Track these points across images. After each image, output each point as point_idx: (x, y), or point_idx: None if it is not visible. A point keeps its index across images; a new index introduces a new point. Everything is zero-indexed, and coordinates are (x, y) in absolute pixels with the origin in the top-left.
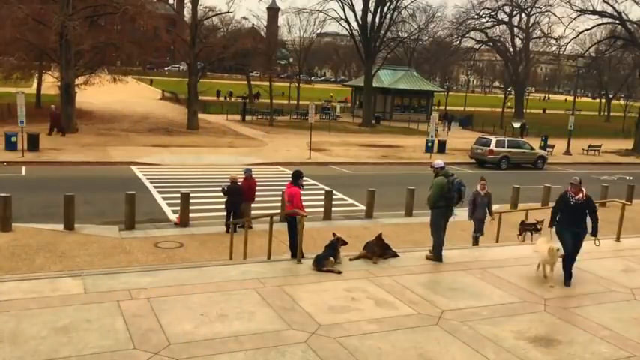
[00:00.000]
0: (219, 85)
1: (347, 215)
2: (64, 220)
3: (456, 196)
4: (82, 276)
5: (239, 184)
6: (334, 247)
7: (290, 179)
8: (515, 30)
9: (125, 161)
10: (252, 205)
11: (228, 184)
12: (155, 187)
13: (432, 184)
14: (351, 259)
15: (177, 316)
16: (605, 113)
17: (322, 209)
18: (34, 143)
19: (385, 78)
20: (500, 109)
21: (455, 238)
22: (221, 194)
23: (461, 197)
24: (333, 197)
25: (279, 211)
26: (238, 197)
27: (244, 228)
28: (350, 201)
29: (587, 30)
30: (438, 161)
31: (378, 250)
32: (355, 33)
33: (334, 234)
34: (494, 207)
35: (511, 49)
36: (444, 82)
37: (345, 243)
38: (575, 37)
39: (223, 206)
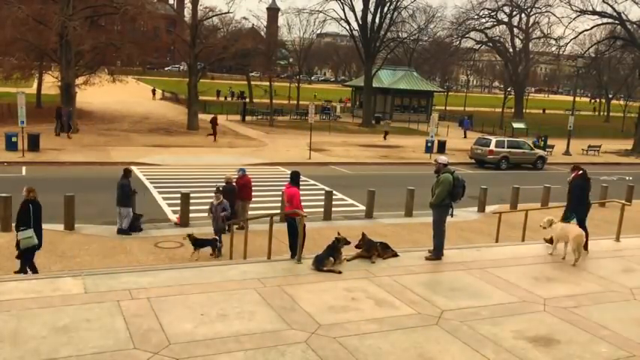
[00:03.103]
0: (219, 86)
1: (347, 215)
2: (64, 220)
3: (461, 191)
4: (82, 276)
5: (233, 184)
6: (335, 247)
7: (289, 180)
8: (515, 30)
9: (125, 161)
10: (251, 205)
11: (224, 184)
12: (155, 187)
13: (439, 182)
14: (348, 260)
15: (177, 316)
16: (605, 113)
17: (322, 209)
18: (34, 143)
19: (385, 78)
20: (499, 109)
21: (455, 238)
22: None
23: (464, 193)
24: (333, 197)
25: (278, 211)
26: (232, 197)
27: (240, 228)
28: (350, 201)
29: (586, 30)
30: (443, 157)
31: (378, 251)
32: (355, 33)
33: (339, 234)
34: (494, 207)
35: (511, 50)
36: (444, 82)
37: (347, 242)
38: (574, 38)
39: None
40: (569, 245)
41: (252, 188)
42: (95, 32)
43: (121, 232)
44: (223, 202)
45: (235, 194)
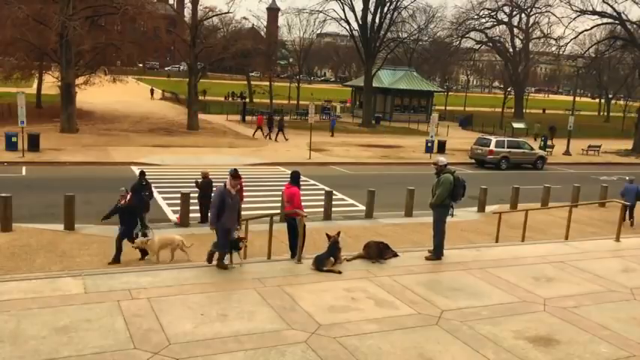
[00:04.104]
0: (218, 86)
1: (347, 215)
2: (64, 220)
3: (461, 191)
4: (82, 276)
5: (210, 178)
6: (335, 247)
7: (289, 180)
8: (515, 30)
9: (125, 161)
10: (251, 205)
11: (201, 178)
12: (155, 187)
13: (440, 182)
14: (348, 260)
15: (177, 316)
16: (605, 113)
17: (322, 209)
18: (34, 143)
19: (385, 78)
20: (499, 109)
21: (455, 238)
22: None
23: (464, 193)
24: (333, 197)
25: (278, 211)
26: (209, 191)
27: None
28: (350, 201)
29: (586, 30)
30: (442, 158)
31: (377, 251)
32: (355, 33)
33: (328, 235)
34: (494, 207)
35: (511, 50)
36: (444, 82)
37: (338, 234)
38: (574, 38)
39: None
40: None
41: (253, 188)
42: (95, 32)
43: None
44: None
45: (211, 188)
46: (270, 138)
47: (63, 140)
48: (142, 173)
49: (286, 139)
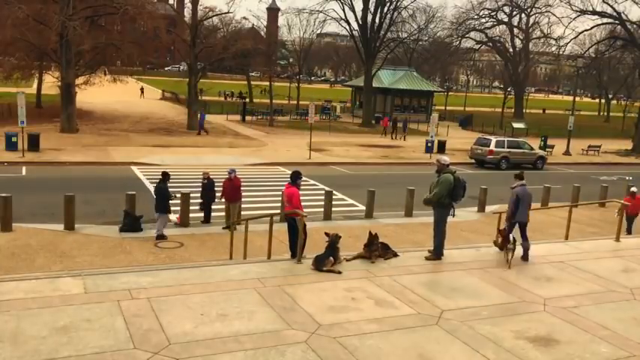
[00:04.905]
0: (219, 86)
1: (347, 215)
2: (64, 220)
3: (461, 192)
4: (82, 276)
5: (211, 179)
6: (333, 246)
7: (289, 179)
8: (515, 30)
9: (125, 161)
10: (251, 205)
11: (204, 180)
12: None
13: (439, 181)
14: (347, 260)
15: (177, 316)
16: (605, 113)
17: (322, 209)
18: (34, 143)
19: (385, 78)
20: (499, 109)
21: (455, 238)
22: (219, 194)
23: (464, 193)
24: (333, 197)
25: (279, 211)
26: (212, 192)
27: (228, 228)
28: (350, 201)
29: (586, 30)
30: (445, 157)
31: (378, 251)
32: (355, 33)
33: (326, 233)
34: (494, 207)
35: (511, 50)
36: (444, 82)
37: (339, 237)
38: (574, 38)
39: (223, 206)
40: None
41: (253, 188)
42: (95, 32)
43: (157, 237)
44: None
45: (212, 189)
46: (394, 138)
47: (63, 140)
48: (165, 174)
49: (404, 140)
